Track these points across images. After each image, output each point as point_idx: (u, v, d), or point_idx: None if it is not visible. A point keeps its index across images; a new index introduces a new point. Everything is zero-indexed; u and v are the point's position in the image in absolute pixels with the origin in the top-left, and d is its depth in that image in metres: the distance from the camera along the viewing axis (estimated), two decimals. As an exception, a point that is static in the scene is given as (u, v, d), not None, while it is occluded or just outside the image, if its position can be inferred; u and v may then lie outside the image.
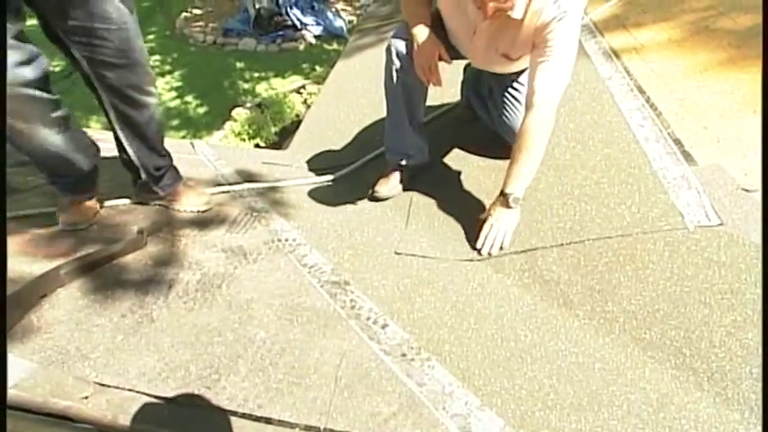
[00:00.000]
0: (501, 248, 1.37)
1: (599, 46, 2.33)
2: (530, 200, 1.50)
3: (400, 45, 1.41)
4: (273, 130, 5.25)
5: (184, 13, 8.95)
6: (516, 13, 1.16)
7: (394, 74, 1.43)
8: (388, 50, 1.43)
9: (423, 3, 1.38)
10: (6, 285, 0.92)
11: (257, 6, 7.53)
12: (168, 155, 1.46)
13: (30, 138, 1.10)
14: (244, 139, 5.16)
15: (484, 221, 1.39)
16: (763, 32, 1.86)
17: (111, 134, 1.35)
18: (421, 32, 1.34)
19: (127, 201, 1.53)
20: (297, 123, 5.49)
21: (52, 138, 1.14)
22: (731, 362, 1.01)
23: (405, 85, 1.45)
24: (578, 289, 1.25)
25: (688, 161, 1.48)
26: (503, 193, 1.37)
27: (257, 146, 5.16)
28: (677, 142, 1.57)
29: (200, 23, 8.61)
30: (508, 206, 1.36)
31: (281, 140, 5.27)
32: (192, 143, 2.36)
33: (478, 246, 1.37)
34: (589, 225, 1.38)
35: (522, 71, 1.54)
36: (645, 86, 1.91)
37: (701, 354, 1.04)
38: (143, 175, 1.41)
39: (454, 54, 1.42)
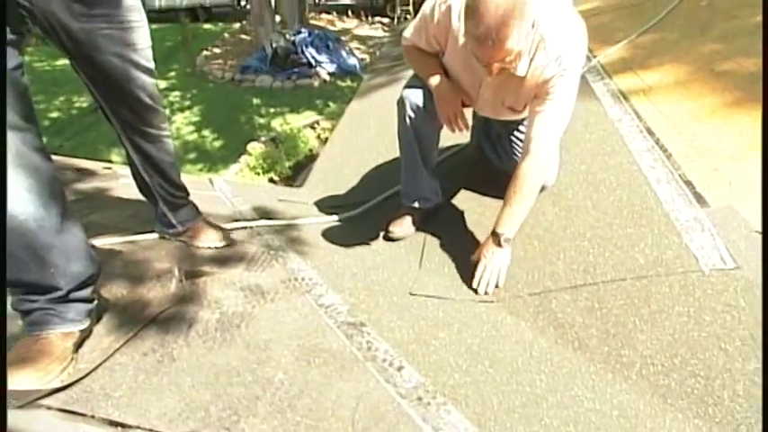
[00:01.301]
0: (497, 286, 1.40)
1: (607, 88, 2.40)
2: (542, 241, 1.52)
3: (412, 96, 1.47)
4: (287, 164, 5.36)
5: (205, 52, 9.39)
6: (520, 71, 1.23)
7: (407, 123, 1.49)
8: (401, 102, 1.50)
9: (430, 55, 1.45)
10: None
11: (274, 45, 7.87)
12: (185, 188, 1.51)
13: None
14: (258, 173, 5.27)
15: (477, 262, 1.42)
16: (763, 57, 1.88)
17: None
18: (439, 83, 1.41)
19: (149, 236, 1.58)
20: (310, 158, 5.62)
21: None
22: (758, 413, 0.99)
23: (418, 133, 1.51)
24: (593, 332, 1.24)
25: (700, 203, 1.49)
26: (494, 233, 1.40)
27: (271, 180, 5.27)
28: (688, 184, 1.59)
29: (220, 61, 9.01)
30: (499, 245, 1.39)
31: (295, 174, 5.38)
32: (210, 180, 2.43)
33: (474, 286, 1.40)
34: (602, 267, 1.38)
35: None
36: (654, 128, 1.95)
37: (723, 404, 1.02)
38: (161, 205, 1.46)
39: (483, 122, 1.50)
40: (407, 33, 1.44)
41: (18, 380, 0.88)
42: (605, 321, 1.25)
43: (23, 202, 0.88)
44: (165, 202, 1.47)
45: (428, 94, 1.44)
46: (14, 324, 1.05)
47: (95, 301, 1.08)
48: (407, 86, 1.51)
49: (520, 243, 1.53)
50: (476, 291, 1.40)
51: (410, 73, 1.59)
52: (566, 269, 1.41)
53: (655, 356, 1.14)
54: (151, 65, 1.23)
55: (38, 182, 0.89)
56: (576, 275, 1.39)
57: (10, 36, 0.88)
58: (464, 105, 1.48)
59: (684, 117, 2.00)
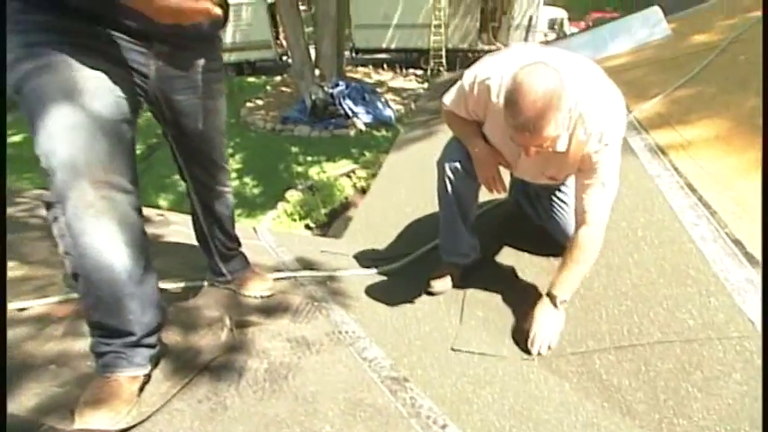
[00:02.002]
0: (549, 348, 1.39)
1: (645, 143, 2.40)
2: (584, 300, 1.51)
3: (452, 157, 1.54)
4: (323, 211, 5.54)
5: (248, 103, 10.02)
6: (560, 147, 1.26)
7: (448, 184, 1.56)
8: (441, 163, 1.56)
9: (469, 121, 1.50)
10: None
11: (313, 97, 8.33)
12: (237, 239, 1.61)
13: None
14: (295, 220, 5.46)
15: (532, 322, 1.42)
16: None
17: (179, 215, 1.53)
18: (477, 146, 1.47)
19: (199, 283, 1.68)
20: (345, 206, 5.79)
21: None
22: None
23: (457, 193, 1.57)
24: (641, 397, 1.21)
25: (752, 264, 1.45)
26: (549, 295, 1.41)
27: (307, 226, 5.44)
28: (737, 243, 1.54)
29: (262, 112, 9.57)
30: (555, 307, 1.40)
31: (331, 221, 5.55)
32: (254, 228, 2.55)
33: (528, 346, 1.40)
34: (647, 328, 1.36)
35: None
36: (696, 184, 1.91)
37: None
38: (216, 256, 1.56)
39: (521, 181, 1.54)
40: (447, 101, 1.52)
41: (94, 419, 0.95)
42: (654, 386, 1.22)
43: (121, 255, 0.98)
44: (218, 252, 1.57)
45: (467, 156, 1.51)
46: (83, 364, 1.14)
47: (158, 347, 1.16)
48: (447, 148, 1.58)
49: (561, 300, 1.52)
50: (529, 351, 1.39)
51: (446, 128, 1.66)
52: (609, 329, 1.39)
53: (713, 428, 1.09)
54: (224, 128, 1.38)
55: (132, 237, 1.01)
56: (620, 336, 1.36)
57: (129, 114, 1.03)
58: (501, 165, 1.53)
59: (727, 173, 1.96)
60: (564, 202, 1.64)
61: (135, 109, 1.06)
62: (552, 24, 14.79)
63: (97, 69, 0.95)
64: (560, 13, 15.13)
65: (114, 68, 0.99)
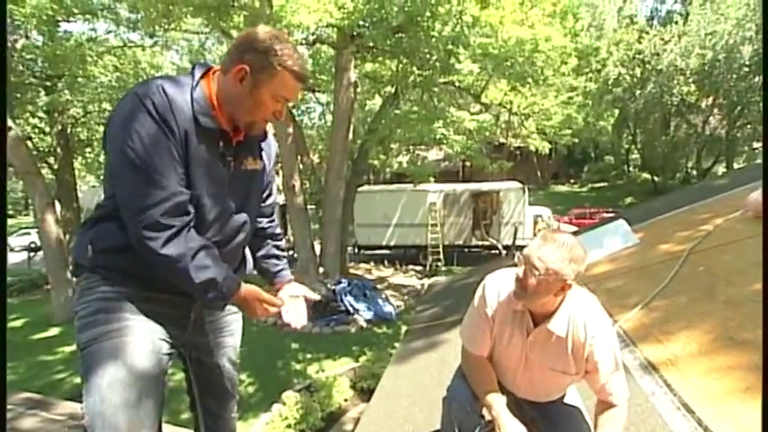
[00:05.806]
0: None
1: (634, 356, 2.45)
2: None
3: (459, 397, 1.61)
4: (320, 415, 5.23)
5: (253, 298, 10.29)
6: (559, 329, 1.39)
7: (454, 423, 1.60)
8: (448, 402, 1.64)
9: (487, 369, 1.58)
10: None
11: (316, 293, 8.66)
12: None
13: None
14: (290, 425, 5.12)
15: None
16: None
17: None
18: (495, 403, 1.48)
19: None
20: (343, 409, 5.48)
21: None
22: None
23: (462, 430, 1.60)
24: None
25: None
26: None
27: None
28: (747, 478, 1.50)
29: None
30: None
31: (327, 426, 5.18)
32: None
33: None
34: None
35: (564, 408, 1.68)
36: (691, 405, 1.90)
37: None
38: None
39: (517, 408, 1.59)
40: (464, 335, 1.63)
41: None
42: None
43: None
44: None
45: (473, 396, 1.57)
46: None
47: None
48: (454, 387, 1.66)
49: None
50: None
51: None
52: None
53: None
54: (238, 359, 1.53)
55: None
56: None
57: (167, 365, 1.19)
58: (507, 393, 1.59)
59: (720, 392, 1.96)
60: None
61: (170, 358, 1.23)
62: (536, 219, 15.81)
63: (151, 331, 1.15)
64: (544, 211, 16.61)
65: (164, 327, 1.19)
